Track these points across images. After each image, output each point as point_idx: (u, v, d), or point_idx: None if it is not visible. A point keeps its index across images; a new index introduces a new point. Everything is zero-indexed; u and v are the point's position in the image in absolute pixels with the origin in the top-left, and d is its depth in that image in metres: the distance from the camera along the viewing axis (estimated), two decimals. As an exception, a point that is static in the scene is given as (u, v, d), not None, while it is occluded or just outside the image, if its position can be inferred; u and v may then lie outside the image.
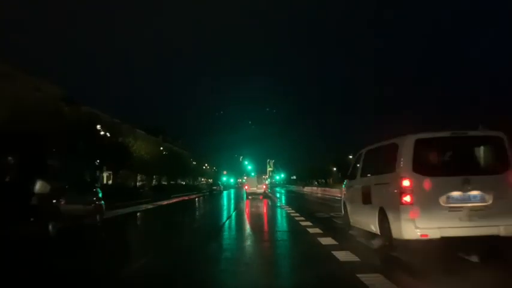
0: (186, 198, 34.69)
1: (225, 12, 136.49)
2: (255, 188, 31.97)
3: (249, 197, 30.63)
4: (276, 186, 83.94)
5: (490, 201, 5.71)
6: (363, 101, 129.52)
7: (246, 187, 33.18)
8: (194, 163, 77.63)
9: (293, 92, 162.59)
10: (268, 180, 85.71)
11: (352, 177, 8.95)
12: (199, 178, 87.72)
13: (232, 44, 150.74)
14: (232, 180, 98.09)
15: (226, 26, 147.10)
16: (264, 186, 33.71)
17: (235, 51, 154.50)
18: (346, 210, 9.24)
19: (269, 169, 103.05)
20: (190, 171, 57.66)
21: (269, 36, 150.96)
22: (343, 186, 10.33)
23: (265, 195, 32.09)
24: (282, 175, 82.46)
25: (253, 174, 59.20)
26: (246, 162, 70.18)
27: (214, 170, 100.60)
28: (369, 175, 7.79)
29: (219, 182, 55.92)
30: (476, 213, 5.65)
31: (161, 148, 53.66)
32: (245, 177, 40.39)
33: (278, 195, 42.55)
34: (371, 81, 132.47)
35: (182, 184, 57.24)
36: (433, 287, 4.62)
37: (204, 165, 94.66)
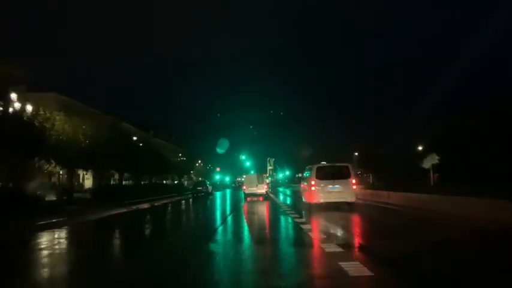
0: (147, 206, 22.52)
1: (228, 10, 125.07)
2: (255, 188, 28.75)
3: (248, 199, 27.19)
4: (279, 186, 71.92)
5: (342, 189, 15.91)
6: (371, 100, 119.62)
7: (245, 187, 29.67)
8: (184, 159, 65.69)
9: (299, 91, 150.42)
10: (270, 178, 74.96)
11: (304, 179, 20.99)
12: (192, 176, 76.58)
13: (234, 43, 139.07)
14: (228, 178, 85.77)
15: (229, 25, 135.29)
16: (265, 186, 30.71)
17: (237, 50, 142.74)
18: (300, 194, 21.27)
19: (269, 168, 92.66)
20: (173, 167, 45.14)
21: (273, 35, 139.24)
22: (302, 183, 21.86)
23: (266, 197, 28.64)
24: (287, 172, 71.04)
25: (252, 172, 48.99)
26: (244, 157, 58.27)
27: (210, 167, 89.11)
28: (306, 178, 18.61)
29: (207, 181, 43.45)
30: (338, 194, 15.91)
31: (134, 138, 41.80)
32: (244, 176, 34.62)
33: (282, 198, 30.57)
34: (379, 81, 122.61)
35: (159, 184, 44.81)
36: (322, 217, 13.49)
37: (197, 163, 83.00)
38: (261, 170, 68.70)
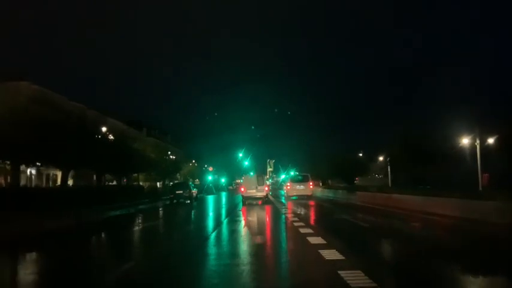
0: (57, 226, 14.00)
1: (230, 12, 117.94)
2: (254, 191, 25.57)
3: (246, 203, 24.13)
4: (282, 189, 63.47)
5: (304, 188, 29.67)
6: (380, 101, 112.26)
7: (243, 189, 26.24)
8: (173, 157, 57.38)
9: (304, 91, 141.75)
10: (270, 180, 66.95)
11: (285, 181, 44.66)
12: (189, 178, 68.53)
13: (237, 41, 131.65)
14: (223, 180, 77.04)
15: (232, 24, 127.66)
16: (266, 189, 27.43)
17: (237, 49, 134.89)
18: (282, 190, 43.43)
19: (269, 169, 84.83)
20: (152, 166, 36.28)
21: (274, 35, 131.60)
22: (285, 184, 40.76)
23: (267, 200, 25.81)
24: (292, 173, 62.94)
25: (251, 173, 42.09)
26: (241, 154, 49.88)
27: (205, 168, 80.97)
28: (286, 180, 40.81)
29: (191, 183, 34.78)
30: (301, 190, 29.51)
31: (104, 129, 33.81)
32: (243, 177, 31.14)
33: (287, 205, 22.20)
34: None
35: (129, 187, 36.21)
36: (293, 204, 23.32)
37: (191, 162, 74.94)
38: (261, 171, 60.73)
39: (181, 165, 52.86)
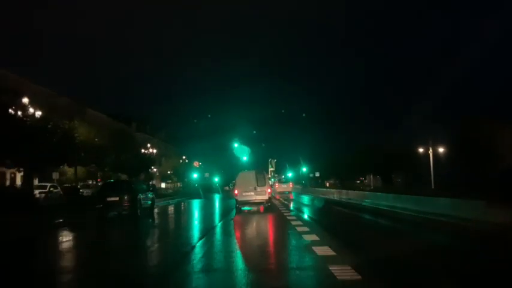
0: None
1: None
2: (253, 193, 18.10)
3: (244, 211, 18.18)
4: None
5: (286, 186, 42.29)
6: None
7: (237, 192, 18.58)
8: (153, 151, 45.75)
9: (309, 90, 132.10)
10: (273, 180, 55.73)
11: (275, 182, 44.52)
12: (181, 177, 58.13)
13: (238, 40, 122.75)
14: (217, 179, 64.50)
15: (232, 24, 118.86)
16: (268, 190, 18.87)
17: (238, 49, 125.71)
18: (273, 189, 30.15)
19: (271, 169, 74.11)
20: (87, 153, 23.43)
21: (282, 33, 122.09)
22: (274, 183, 42.48)
23: (269, 206, 18.55)
24: (304, 169, 52.14)
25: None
26: (236, 145, 38.64)
27: (201, 166, 69.66)
28: (276, 182, 45.86)
29: (142, 185, 20.73)
30: (285, 188, 41.46)
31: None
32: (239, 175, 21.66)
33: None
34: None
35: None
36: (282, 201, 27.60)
37: (181, 159, 63.60)
38: (262, 170, 49.18)
39: (155, 160, 40.52)
